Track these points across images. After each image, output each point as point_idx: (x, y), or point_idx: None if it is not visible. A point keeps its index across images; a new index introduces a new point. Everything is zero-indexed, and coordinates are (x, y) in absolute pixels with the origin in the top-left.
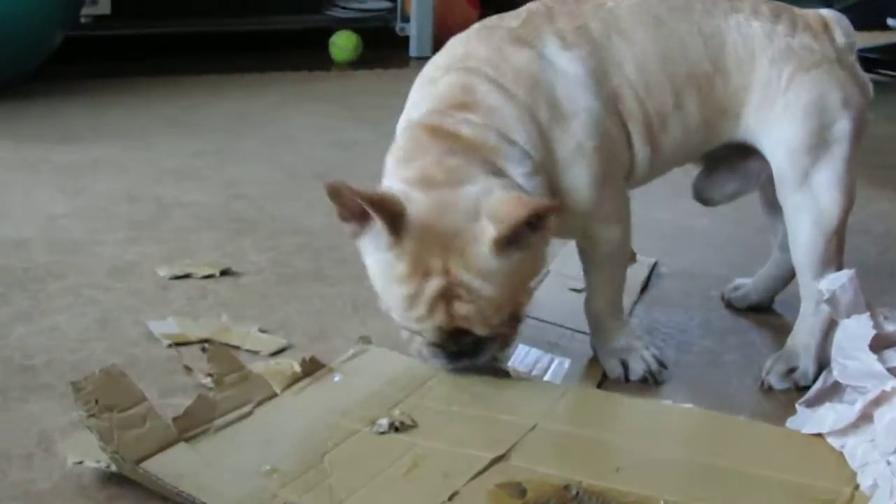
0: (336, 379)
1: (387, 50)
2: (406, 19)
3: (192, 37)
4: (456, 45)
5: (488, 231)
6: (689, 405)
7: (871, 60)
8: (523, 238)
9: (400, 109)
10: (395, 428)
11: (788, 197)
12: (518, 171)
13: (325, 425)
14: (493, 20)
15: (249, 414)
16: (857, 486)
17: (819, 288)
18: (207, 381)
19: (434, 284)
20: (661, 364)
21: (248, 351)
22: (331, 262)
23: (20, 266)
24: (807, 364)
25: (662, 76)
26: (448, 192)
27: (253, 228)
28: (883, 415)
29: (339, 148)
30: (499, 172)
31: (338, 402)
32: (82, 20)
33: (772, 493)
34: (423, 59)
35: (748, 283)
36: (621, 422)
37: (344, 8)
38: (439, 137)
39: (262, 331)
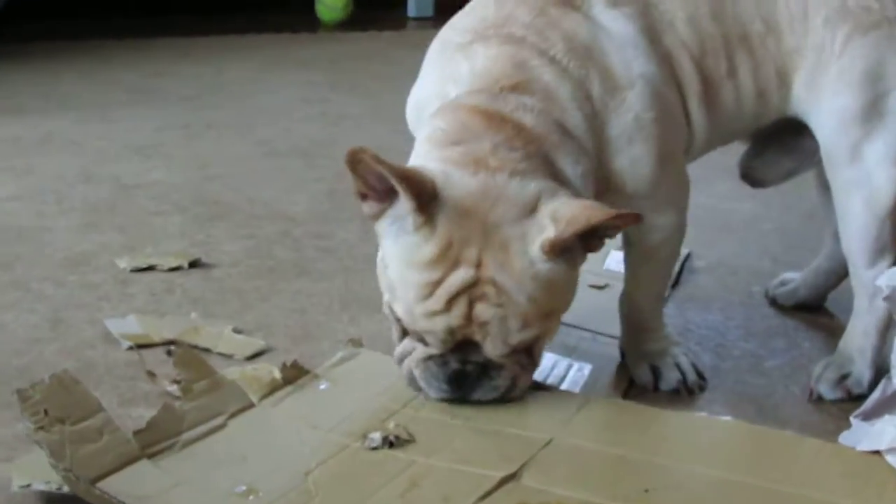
0: (322, 387)
1: (381, 9)
2: None
3: None
4: (487, 5)
5: (546, 230)
6: (727, 418)
7: None
8: (576, 252)
9: (396, 78)
10: (390, 443)
11: (838, 174)
12: (575, 172)
13: (309, 440)
14: None
15: (222, 427)
16: None
17: (877, 284)
18: (174, 388)
19: (461, 275)
20: (700, 375)
21: (220, 354)
22: (316, 252)
23: None
24: (861, 370)
25: (716, 35)
26: (503, 180)
27: (226, 214)
28: None
29: (326, 122)
30: (558, 175)
31: (324, 414)
32: None
33: None
34: (423, 21)
35: (796, 278)
36: (651, 437)
37: None
38: (496, 124)
39: (237, 331)
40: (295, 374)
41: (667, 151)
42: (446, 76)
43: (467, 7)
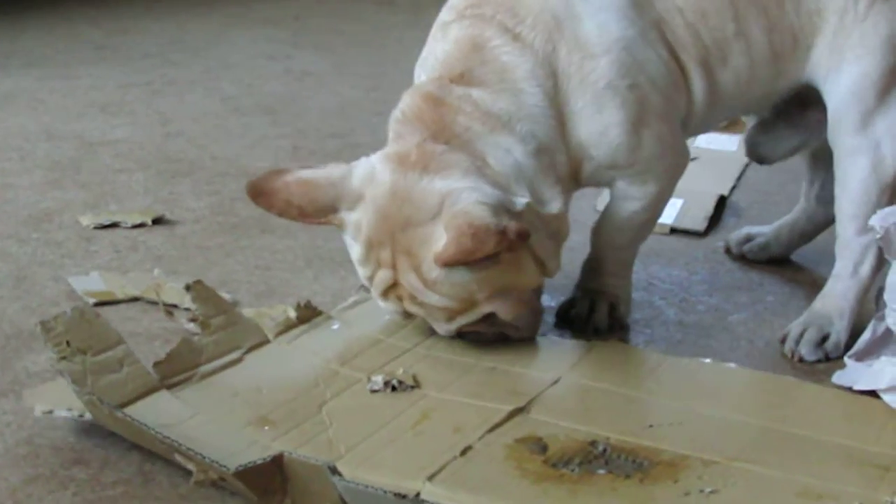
0: (335, 327)
1: None
2: None
3: None
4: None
5: (438, 242)
6: (731, 364)
7: None
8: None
9: (358, 35)
10: (392, 387)
11: (845, 139)
12: (506, 162)
13: (323, 374)
14: None
15: (239, 360)
16: None
17: (870, 223)
18: (192, 325)
19: (382, 276)
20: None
21: (185, 310)
22: None
23: None
24: (840, 332)
25: None
26: (413, 179)
27: (190, 170)
28: None
29: (290, 78)
30: (484, 169)
31: (337, 351)
32: None
33: (822, 457)
34: None
35: (766, 233)
36: (654, 378)
37: None
38: (433, 115)
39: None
40: (309, 313)
41: (646, 118)
42: (424, 57)
43: None
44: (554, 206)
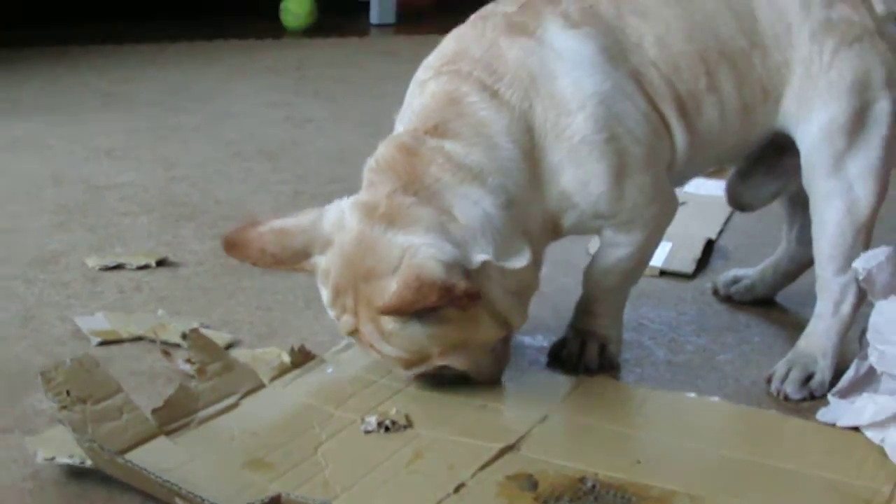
0: (329, 371)
1: (344, 16)
2: None
3: (124, 1)
4: (449, 41)
5: (390, 299)
6: (715, 398)
7: None
8: (431, 313)
9: (359, 83)
10: (386, 427)
11: (819, 183)
12: (474, 215)
13: (318, 417)
14: (490, 7)
15: (235, 405)
16: None
17: (854, 265)
18: (188, 367)
19: (346, 321)
20: (612, 365)
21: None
22: None
23: None
24: (824, 371)
25: (691, 54)
26: (379, 232)
27: (193, 214)
28: None
29: (290, 125)
30: (448, 223)
31: (331, 394)
32: None
33: (805, 491)
34: (385, 28)
35: (751, 275)
36: (641, 414)
37: None
38: (405, 166)
39: (204, 327)
40: (302, 358)
41: (627, 169)
42: (402, 111)
43: (442, 42)
44: (521, 261)
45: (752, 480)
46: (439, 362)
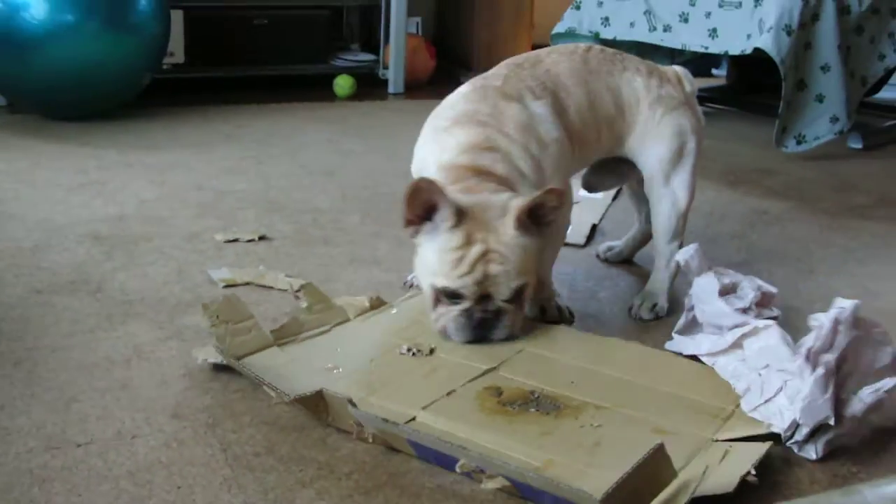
0: (393, 311)
1: (373, 88)
2: (386, 67)
3: (240, 78)
4: (459, 103)
5: (512, 214)
6: (634, 342)
7: (702, 98)
8: (533, 228)
9: (381, 128)
10: (413, 353)
11: (656, 191)
12: (524, 192)
13: (378, 341)
14: (479, 80)
15: (328, 331)
16: (737, 405)
17: (676, 258)
18: (302, 303)
19: (476, 249)
20: (570, 312)
21: (279, 290)
22: (333, 231)
23: (121, 234)
24: (663, 302)
25: (591, 118)
26: (486, 196)
27: (281, 208)
28: (752, 343)
29: (339, 154)
30: (516, 193)
31: (390, 327)
32: (164, 67)
33: (673, 406)
34: (398, 95)
35: (618, 244)
36: (579, 349)
37: (343, 59)
38: (477, 172)
39: (288, 276)
40: (378, 303)
41: (564, 174)
42: (440, 148)
43: (446, 103)
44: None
45: (640, 397)
46: (530, 279)
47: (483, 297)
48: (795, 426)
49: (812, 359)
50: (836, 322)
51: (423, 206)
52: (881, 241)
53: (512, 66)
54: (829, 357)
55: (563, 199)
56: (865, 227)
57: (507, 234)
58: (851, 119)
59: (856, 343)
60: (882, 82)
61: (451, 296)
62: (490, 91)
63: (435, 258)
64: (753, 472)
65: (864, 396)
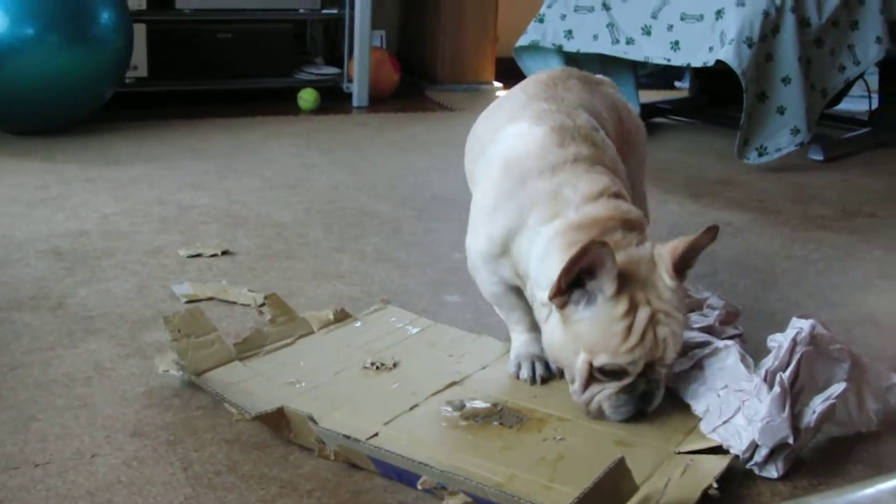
0: (357, 325)
1: (336, 101)
2: (350, 81)
3: (204, 92)
4: (549, 151)
5: (666, 266)
6: None
7: (664, 110)
8: (682, 272)
9: (345, 142)
10: (377, 367)
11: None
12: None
13: (342, 354)
14: (539, 125)
15: (292, 343)
16: (699, 419)
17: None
18: (266, 317)
19: (644, 313)
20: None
21: (241, 305)
22: (297, 245)
23: (82, 249)
24: None
25: (617, 140)
26: (634, 250)
27: (244, 222)
28: (711, 364)
29: (302, 168)
30: (644, 234)
31: (354, 340)
32: (127, 80)
33: (638, 418)
34: (362, 108)
35: None
36: None
37: (307, 72)
38: (618, 223)
39: (251, 291)
40: (342, 316)
41: None
42: (559, 203)
43: (524, 153)
44: None
45: None
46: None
47: (647, 367)
48: (754, 447)
49: (769, 379)
50: (794, 343)
51: (579, 273)
52: (842, 251)
53: (547, 100)
54: (784, 375)
55: (715, 238)
56: (826, 239)
57: (666, 287)
58: (812, 131)
59: (811, 359)
60: (842, 94)
61: (614, 373)
62: (568, 131)
63: (596, 332)
64: (715, 485)
65: (816, 406)
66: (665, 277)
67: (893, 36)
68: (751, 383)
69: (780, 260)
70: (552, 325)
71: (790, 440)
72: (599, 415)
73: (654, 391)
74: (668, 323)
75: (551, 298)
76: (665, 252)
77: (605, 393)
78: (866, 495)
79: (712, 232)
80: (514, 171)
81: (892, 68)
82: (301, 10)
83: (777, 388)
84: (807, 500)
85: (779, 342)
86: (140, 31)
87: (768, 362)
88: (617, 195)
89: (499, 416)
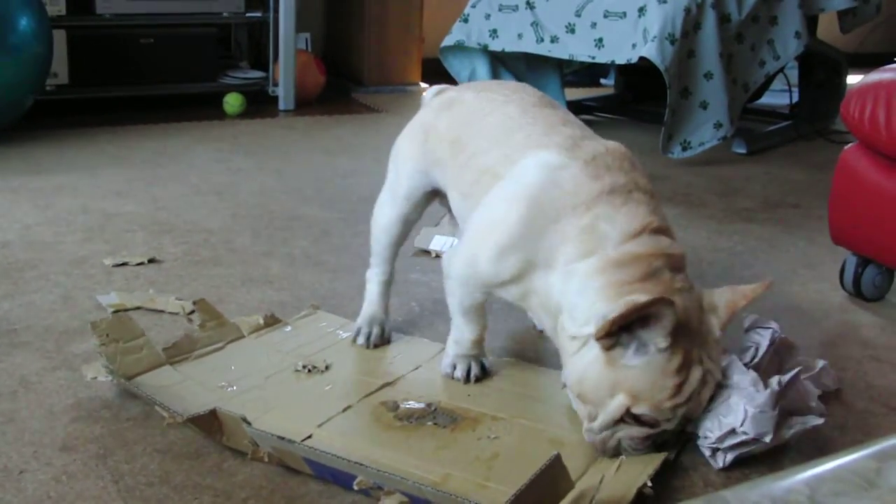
0: (287, 329)
1: (262, 105)
2: (276, 84)
3: (127, 98)
4: (583, 186)
5: (716, 323)
6: (513, 359)
7: (590, 107)
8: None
9: (271, 146)
10: (308, 370)
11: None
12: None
13: (273, 359)
14: (561, 152)
15: (222, 348)
16: None
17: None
18: (194, 324)
19: (697, 374)
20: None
21: (169, 313)
22: (224, 251)
23: (4, 261)
24: None
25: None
26: (688, 297)
27: (171, 229)
28: None
29: (229, 173)
30: (684, 271)
31: (285, 345)
32: (47, 88)
33: (572, 416)
34: (288, 111)
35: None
36: None
37: (232, 76)
38: (664, 259)
39: (179, 299)
40: (272, 321)
41: None
42: (595, 240)
43: (556, 187)
44: None
45: (536, 410)
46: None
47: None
48: (729, 431)
49: (763, 378)
50: (772, 343)
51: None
52: (766, 243)
53: (562, 122)
54: (784, 379)
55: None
56: (751, 231)
57: (715, 343)
58: (734, 125)
59: (778, 357)
60: (763, 88)
61: (646, 422)
62: (601, 160)
63: (646, 382)
64: (650, 483)
65: (796, 424)
66: (715, 331)
67: (812, 30)
68: (745, 377)
69: (706, 252)
70: (588, 361)
71: (767, 438)
72: (615, 452)
73: (675, 439)
74: (711, 382)
75: (599, 339)
76: (721, 305)
77: (628, 433)
78: (780, 487)
79: (769, 285)
80: (547, 209)
81: (811, 62)
82: (225, 14)
83: (775, 387)
84: (720, 495)
85: (756, 342)
86: (60, 37)
87: (754, 358)
88: (658, 230)
89: (433, 416)
